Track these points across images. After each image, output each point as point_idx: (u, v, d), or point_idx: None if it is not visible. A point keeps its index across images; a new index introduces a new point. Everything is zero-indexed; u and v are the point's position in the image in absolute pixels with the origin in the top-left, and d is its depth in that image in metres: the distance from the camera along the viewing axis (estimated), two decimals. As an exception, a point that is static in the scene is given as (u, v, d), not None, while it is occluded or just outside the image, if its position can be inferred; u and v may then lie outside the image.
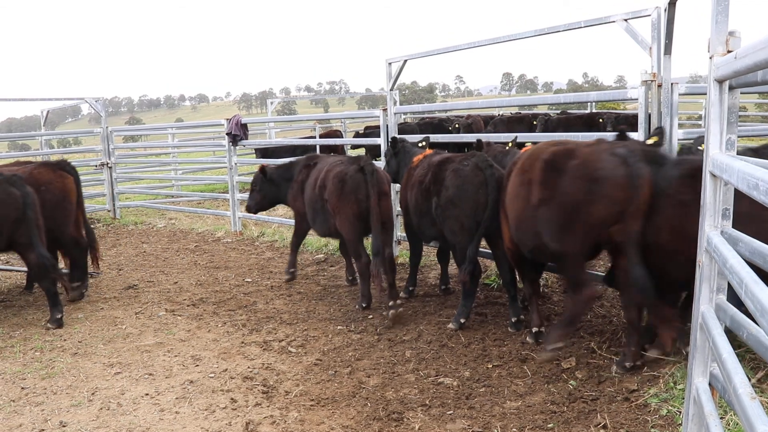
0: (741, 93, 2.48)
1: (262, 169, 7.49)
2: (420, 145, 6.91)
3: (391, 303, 5.77)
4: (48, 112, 15.36)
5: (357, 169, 5.95)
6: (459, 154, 6.02)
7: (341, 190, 5.97)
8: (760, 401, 1.81)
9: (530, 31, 6.35)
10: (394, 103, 7.90)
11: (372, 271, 5.84)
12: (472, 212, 5.40)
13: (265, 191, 7.50)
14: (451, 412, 4.07)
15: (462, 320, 5.57)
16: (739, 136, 2.46)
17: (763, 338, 1.94)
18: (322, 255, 8.53)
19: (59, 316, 6.06)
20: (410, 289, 6.64)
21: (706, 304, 2.51)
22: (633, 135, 5.39)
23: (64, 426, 4.05)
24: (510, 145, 6.56)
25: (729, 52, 2.26)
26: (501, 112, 22.07)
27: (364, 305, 6.23)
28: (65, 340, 5.70)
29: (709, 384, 2.55)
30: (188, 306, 6.63)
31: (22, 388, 4.67)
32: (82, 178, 10.78)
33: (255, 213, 7.97)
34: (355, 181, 5.92)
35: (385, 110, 7.96)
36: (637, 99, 5.19)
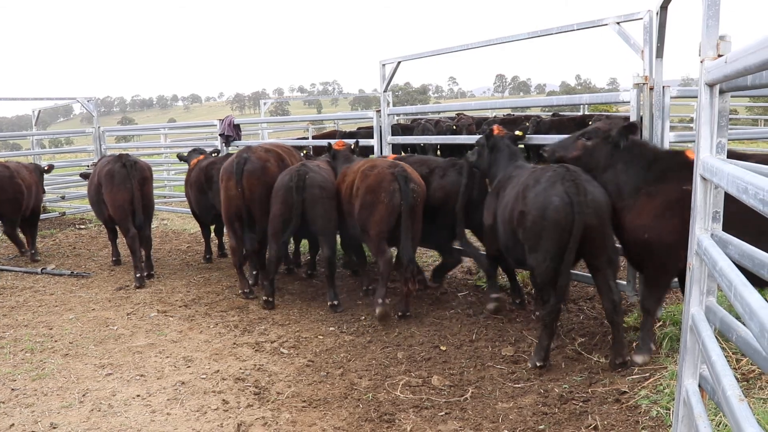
0: (731, 96, 2.50)
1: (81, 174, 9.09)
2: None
3: (138, 275, 7.50)
4: (39, 111, 15.25)
5: (121, 165, 7.42)
6: (221, 158, 7.92)
7: (111, 184, 7.41)
8: (748, 403, 1.82)
9: (523, 33, 6.37)
10: (388, 105, 7.91)
11: (129, 243, 7.48)
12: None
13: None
14: (443, 413, 4.08)
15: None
16: (729, 139, 2.48)
17: (752, 341, 1.95)
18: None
19: None
20: (207, 257, 8.71)
21: (696, 307, 2.52)
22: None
23: (54, 427, 4.03)
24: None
25: (719, 56, 2.28)
26: (494, 114, 22.12)
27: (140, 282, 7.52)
28: (56, 341, 5.67)
29: (699, 386, 2.57)
30: (180, 307, 6.61)
31: (13, 389, 4.64)
32: (74, 178, 10.79)
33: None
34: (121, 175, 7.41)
35: (378, 111, 7.97)
36: (629, 102, 5.22)
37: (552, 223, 4.50)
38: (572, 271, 5.45)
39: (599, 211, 4.54)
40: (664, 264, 4.40)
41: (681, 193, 4.20)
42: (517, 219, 4.82)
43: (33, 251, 9.16)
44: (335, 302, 6.32)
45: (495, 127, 6.11)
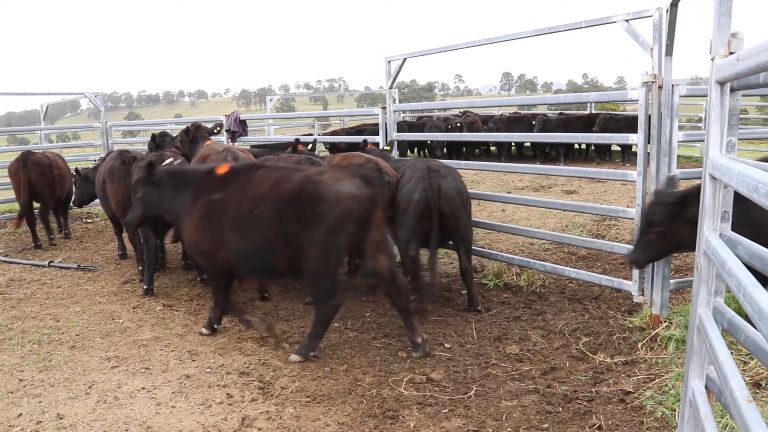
0: (742, 95, 2.48)
1: (76, 170, 9.62)
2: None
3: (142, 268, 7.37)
4: (47, 106, 15.33)
5: (120, 162, 7.35)
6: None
7: (111, 180, 7.43)
8: (756, 405, 1.81)
9: (530, 30, 6.34)
10: (394, 101, 7.89)
11: (130, 237, 7.59)
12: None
13: (84, 188, 9.33)
14: (447, 410, 4.08)
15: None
16: (739, 139, 2.46)
17: (761, 342, 1.94)
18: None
19: None
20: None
21: (704, 307, 2.50)
22: (632, 137, 5.41)
23: (61, 418, 4.05)
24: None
25: (731, 53, 2.26)
26: (501, 112, 22.09)
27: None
28: (63, 333, 5.69)
29: (706, 387, 2.55)
30: (186, 301, 6.63)
31: (20, 380, 4.67)
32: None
33: (80, 206, 9.88)
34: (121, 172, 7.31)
35: (384, 108, 7.96)
36: (637, 100, 5.19)
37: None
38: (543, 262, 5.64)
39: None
40: (211, 266, 5.39)
41: (209, 205, 5.10)
42: None
43: (66, 231, 10.36)
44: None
45: (369, 143, 7.52)
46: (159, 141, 9.07)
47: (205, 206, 5.14)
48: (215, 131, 8.32)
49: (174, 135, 9.40)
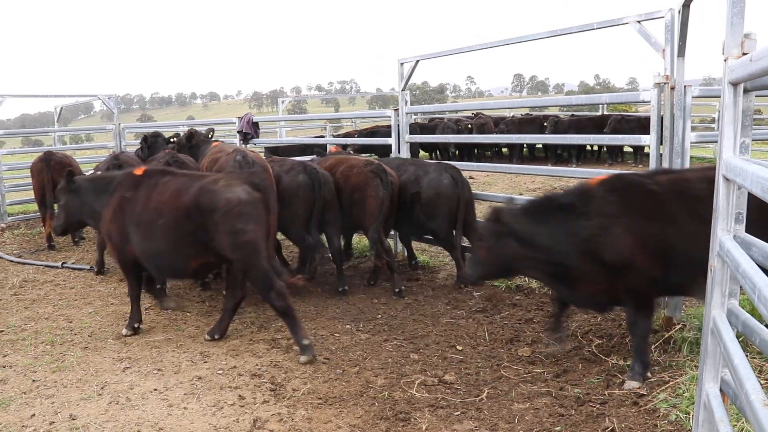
0: (756, 96, 2.46)
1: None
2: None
3: None
4: (61, 108, 15.47)
5: (118, 165, 7.52)
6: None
7: None
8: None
9: (543, 32, 6.33)
10: (406, 104, 7.90)
11: None
12: None
13: None
14: (458, 413, 4.07)
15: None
16: (753, 140, 2.44)
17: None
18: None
19: None
20: None
21: (718, 309, 2.48)
22: (645, 138, 5.38)
23: (73, 419, 4.08)
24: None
25: (744, 54, 2.24)
26: (512, 114, 22.03)
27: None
28: (76, 334, 5.74)
29: (720, 390, 2.53)
30: (197, 303, 6.66)
31: (33, 380, 4.71)
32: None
33: None
34: None
35: (396, 110, 7.97)
36: (649, 101, 5.16)
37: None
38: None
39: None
40: (120, 257, 5.68)
41: (122, 201, 5.51)
42: None
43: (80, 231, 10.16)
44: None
45: (332, 148, 8.25)
46: (151, 142, 9.08)
47: (119, 201, 5.55)
48: (209, 136, 8.45)
49: (167, 136, 9.37)
